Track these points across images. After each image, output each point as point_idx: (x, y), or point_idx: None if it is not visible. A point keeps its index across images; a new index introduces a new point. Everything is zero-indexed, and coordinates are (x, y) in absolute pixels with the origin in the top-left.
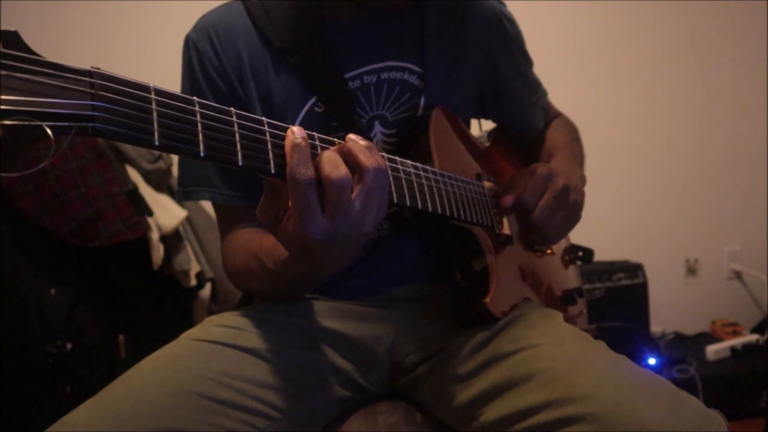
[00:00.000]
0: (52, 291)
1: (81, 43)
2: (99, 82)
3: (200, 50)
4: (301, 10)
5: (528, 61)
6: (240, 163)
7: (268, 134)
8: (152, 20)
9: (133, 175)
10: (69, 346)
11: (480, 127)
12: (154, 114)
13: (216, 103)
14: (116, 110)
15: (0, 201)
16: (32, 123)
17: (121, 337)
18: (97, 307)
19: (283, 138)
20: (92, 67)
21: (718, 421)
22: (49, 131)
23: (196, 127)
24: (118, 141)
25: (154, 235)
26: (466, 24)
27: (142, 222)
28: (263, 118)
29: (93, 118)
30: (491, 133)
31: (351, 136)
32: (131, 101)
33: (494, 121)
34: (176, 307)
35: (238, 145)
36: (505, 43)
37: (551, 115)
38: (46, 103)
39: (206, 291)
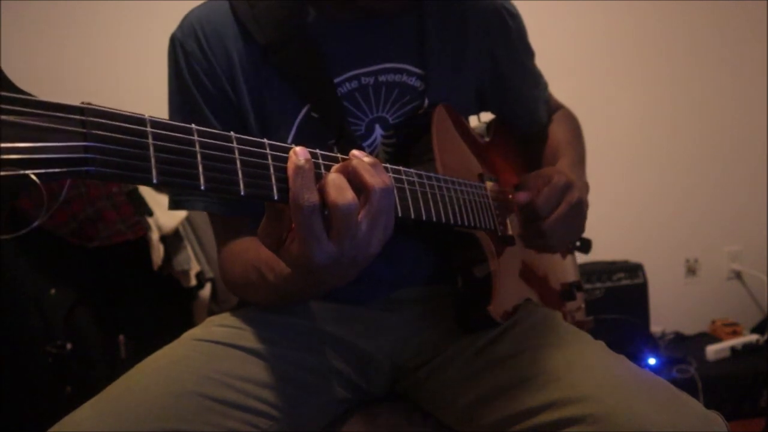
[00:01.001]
0: (52, 291)
1: (81, 43)
2: (91, 119)
3: (187, 51)
4: (286, 6)
5: (530, 54)
6: (242, 193)
7: (270, 157)
8: (152, 20)
9: None
10: (69, 346)
11: (479, 119)
12: (151, 149)
13: (206, 106)
14: (111, 150)
15: None
16: (17, 173)
17: (121, 337)
18: (97, 307)
19: (284, 160)
20: (83, 103)
21: (717, 422)
22: (36, 179)
23: (196, 158)
24: (113, 182)
25: (154, 235)
26: (466, 23)
27: (142, 222)
28: (264, 140)
29: (86, 161)
30: (490, 126)
31: (355, 152)
32: (126, 137)
33: (495, 114)
34: (176, 307)
35: (240, 173)
36: (507, 39)
37: (552, 107)
38: (32, 149)
39: (206, 291)
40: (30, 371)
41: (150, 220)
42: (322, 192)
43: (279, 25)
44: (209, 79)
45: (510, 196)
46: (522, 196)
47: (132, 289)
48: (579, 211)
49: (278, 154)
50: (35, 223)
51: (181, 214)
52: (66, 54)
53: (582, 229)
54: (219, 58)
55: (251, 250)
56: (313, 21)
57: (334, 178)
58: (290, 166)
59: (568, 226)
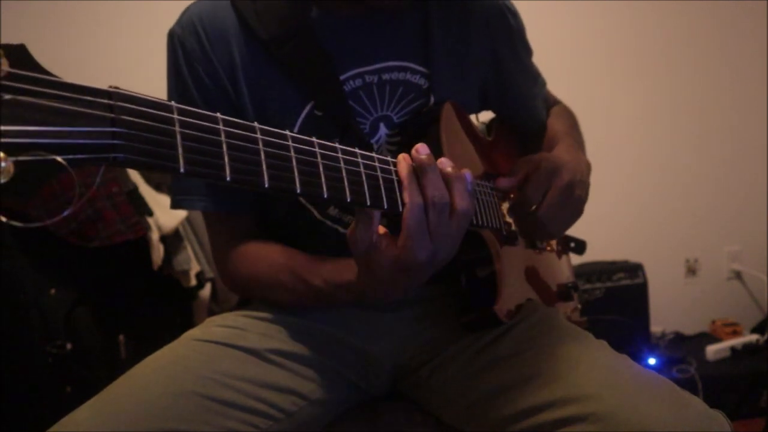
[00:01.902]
0: (52, 291)
1: (81, 42)
2: (119, 104)
3: (187, 49)
4: (288, 2)
5: (529, 52)
6: (266, 185)
7: (292, 150)
8: (153, 18)
9: (133, 174)
10: (69, 346)
11: (477, 118)
12: (178, 137)
13: (205, 105)
14: (139, 137)
15: None
16: (45, 158)
17: (121, 337)
18: (97, 307)
19: (294, 150)
20: (111, 87)
21: (720, 421)
22: (65, 164)
23: (221, 147)
24: (140, 170)
25: (154, 235)
26: (469, 21)
27: (142, 222)
28: (287, 132)
29: (114, 148)
30: (490, 125)
31: (442, 159)
32: (154, 124)
33: (496, 114)
34: (176, 307)
35: (264, 164)
36: (509, 38)
37: (550, 102)
38: (60, 133)
39: (206, 291)
40: (30, 371)
41: (150, 220)
42: (423, 191)
43: (281, 20)
44: (209, 77)
45: (511, 195)
46: (502, 182)
47: (132, 289)
48: (570, 193)
49: (300, 146)
50: (67, 211)
51: (181, 214)
52: (66, 53)
53: (580, 211)
54: (219, 55)
55: (277, 253)
56: (316, 17)
57: (433, 179)
58: (402, 170)
59: (562, 210)
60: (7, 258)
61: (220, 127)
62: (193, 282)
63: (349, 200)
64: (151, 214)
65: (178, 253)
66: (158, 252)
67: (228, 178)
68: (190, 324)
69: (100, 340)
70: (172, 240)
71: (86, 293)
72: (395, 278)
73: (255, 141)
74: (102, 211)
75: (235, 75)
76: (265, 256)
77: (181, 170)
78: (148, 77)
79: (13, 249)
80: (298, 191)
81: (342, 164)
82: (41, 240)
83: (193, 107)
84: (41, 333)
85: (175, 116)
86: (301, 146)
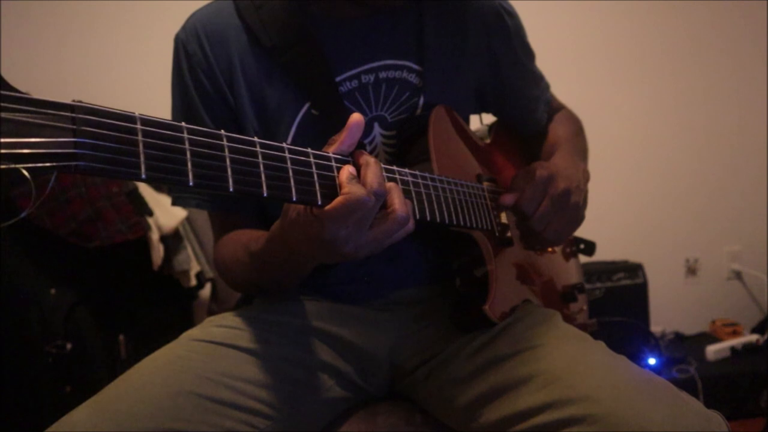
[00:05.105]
0: (52, 291)
1: (81, 42)
2: (81, 116)
3: (189, 52)
4: (291, 7)
5: (530, 54)
6: (231, 189)
7: (260, 155)
8: (153, 20)
9: None
10: (69, 346)
11: (481, 121)
12: (141, 146)
13: (203, 107)
14: (100, 146)
15: None
16: (8, 167)
17: (121, 337)
18: (97, 307)
19: (275, 158)
20: (74, 101)
21: (718, 422)
22: (27, 174)
23: (185, 155)
24: (103, 177)
25: (154, 235)
26: (465, 20)
27: (142, 222)
28: (255, 139)
29: (76, 156)
30: (492, 128)
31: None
32: (116, 134)
33: (496, 116)
34: (176, 307)
35: (229, 170)
36: (506, 38)
37: (554, 107)
38: (23, 144)
39: (206, 291)
40: (30, 371)
41: (150, 220)
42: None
43: (284, 26)
44: (209, 81)
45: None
46: (507, 198)
47: (132, 289)
48: (566, 201)
49: (268, 152)
50: (23, 214)
51: (181, 214)
52: (66, 54)
53: (579, 217)
54: (220, 60)
55: (244, 234)
56: (317, 19)
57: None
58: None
59: (558, 218)
60: (7, 258)
61: (184, 135)
62: (193, 282)
63: (320, 203)
64: (151, 214)
65: (178, 253)
66: (158, 252)
67: (191, 183)
68: (190, 324)
69: (100, 340)
70: (172, 240)
71: (86, 293)
72: (306, 249)
73: (220, 147)
74: (102, 211)
75: (233, 79)
76: (232, 238)
77: (143, 176)
78: (148, 77)
79: (13, 249)
80: (265, 194)
81: (314, 169)
82: (41, 240)
83: (194, 109)
84: (41, 333)
85: (138, 126)
86: (270, 152)
